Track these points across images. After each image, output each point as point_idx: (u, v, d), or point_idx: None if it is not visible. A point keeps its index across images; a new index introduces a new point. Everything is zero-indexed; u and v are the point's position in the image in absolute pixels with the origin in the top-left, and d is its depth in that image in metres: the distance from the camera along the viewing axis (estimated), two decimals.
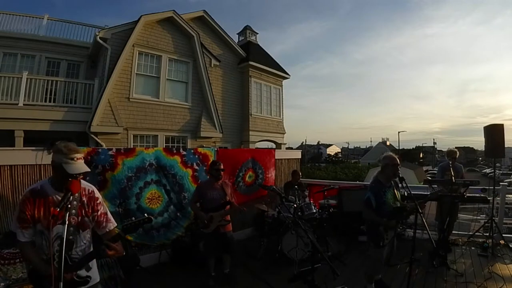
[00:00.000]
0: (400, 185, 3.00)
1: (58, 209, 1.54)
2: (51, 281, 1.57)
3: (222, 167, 3.69)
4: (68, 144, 1.65)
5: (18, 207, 1.63)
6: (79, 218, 1.72)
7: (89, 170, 1.71)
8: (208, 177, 3.86)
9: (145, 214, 1.79)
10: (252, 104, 11.71)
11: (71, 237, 1.65)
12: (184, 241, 4.40)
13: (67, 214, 1.54)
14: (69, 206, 1.57)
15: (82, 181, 1.75)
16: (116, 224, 1.89)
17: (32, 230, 1.63)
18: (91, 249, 1.82)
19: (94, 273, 1.85)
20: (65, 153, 1.61)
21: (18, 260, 2.76)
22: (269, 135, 12.56)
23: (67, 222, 1.53)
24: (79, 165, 1.63)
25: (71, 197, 1.62)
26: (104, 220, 1.84)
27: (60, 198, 1.63)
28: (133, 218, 1.79)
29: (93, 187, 1.86)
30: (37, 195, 1.64)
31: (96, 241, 1.80)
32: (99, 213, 1.81)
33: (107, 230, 1.85)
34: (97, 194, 1.85)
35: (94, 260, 1.85)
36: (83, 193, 1.76)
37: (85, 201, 1.76)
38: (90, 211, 1.78)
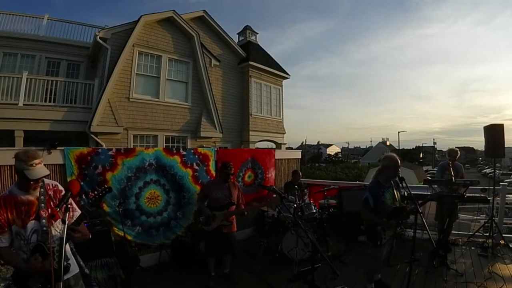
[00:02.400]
0: (400, 185, 2.99)
1: (58, 209, 1.60)
2: (36, 280, 1.68)
3: (232, 171, 3.72)
4: (27, 151, 1.76)
5: None
6: (49, 210, 1.84)
7: (48, 173, 1.82)
8: (208, 176, 3.86)
9: (105, 185, 1.99)
10: (252, 104, 11.70)
11: (44, 228, 1.76)
12: (184, 241, 4.40)
13: (67, 214, 1.60)
14: (69, 206, 1.64)
15: (44, 179, 1.87)
16: (80, 212, 2.01)
17: (8, 234, 1.73)
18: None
19: (73, 264, 1.97)
20: (24, 161, 1.70)
21: None
22: (269, 135, 12.55)
23: (67, 222, 1.59)
24: (39, 170, 1.74)
25: (70, 197, 1.68)
26: (70, 210, 1.93)
27: (28, 198, 1.78)
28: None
29: (56, 182, 2.02)
30: (6, 199, 1.75)
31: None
32: None
33: (74, 219, 1.94)
34: (61, 187, 2.00)
35: (71, 252, 2.00)
36: (49, 187, 1.91)
37: (51, 194, 1.90)
38: (57, 202, 1.91)
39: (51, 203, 1.86)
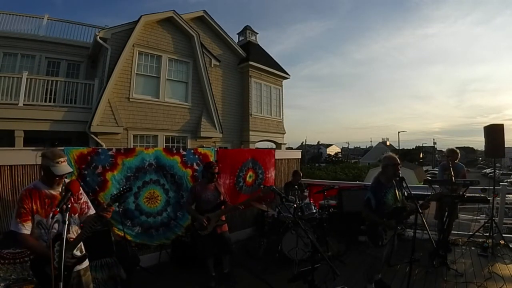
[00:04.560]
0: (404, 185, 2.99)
1: (58, 209, 1.65)
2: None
3: (217, 170, 3.69)
4: (53, 150, 2.02)
5: (17, 204, 1.91)
6: (69, 204, 1.96)
7: (71, 170, 2.03)
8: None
9: (122, 187, 2.24)
10: (252, 104, 11.70)
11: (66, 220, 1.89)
12: (184, 241, 4.40)
13: (67, 214, 1.68)
14: (69, 206, 1.73)
15: (65, 179, 2.09)
16: (95, 211, 2.20)
17: (31, 223, 1.89)
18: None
19: (85, 257, 2.14)
20: (51, 158, 1.94)
21: (18, 260, 2.76)
22: (269, 135, 12.56)
23: (67, 222, 1.62)
24: (64, 167, 1.98)
25: (70, 197, 1.80)
26: (86, 207, 2.21)
27: (51, 192, 1.98)
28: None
29: None
30: (32, 191, 1.94)
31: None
32: (81, 201, 2.19)
33: (88, 215, 2.19)
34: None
35: (83, 248, 2.16)
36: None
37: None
38: (76, 199, 2.14)
39: (72, 199, 2.02)
